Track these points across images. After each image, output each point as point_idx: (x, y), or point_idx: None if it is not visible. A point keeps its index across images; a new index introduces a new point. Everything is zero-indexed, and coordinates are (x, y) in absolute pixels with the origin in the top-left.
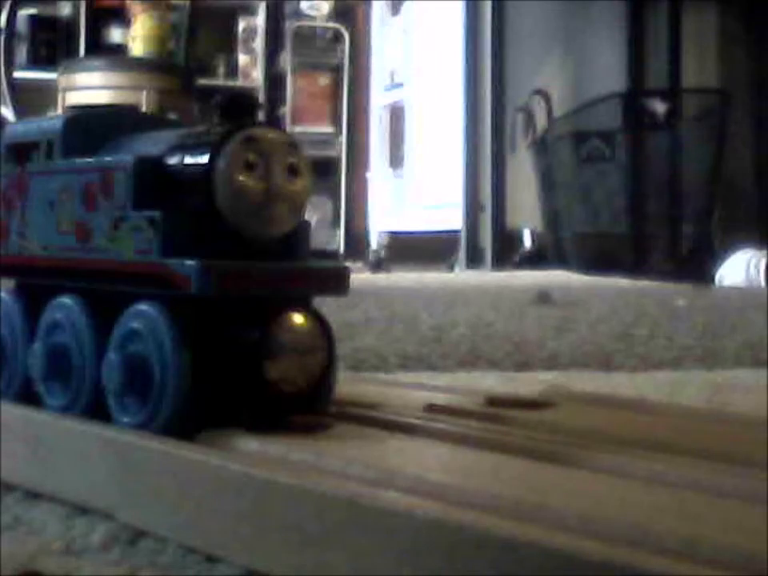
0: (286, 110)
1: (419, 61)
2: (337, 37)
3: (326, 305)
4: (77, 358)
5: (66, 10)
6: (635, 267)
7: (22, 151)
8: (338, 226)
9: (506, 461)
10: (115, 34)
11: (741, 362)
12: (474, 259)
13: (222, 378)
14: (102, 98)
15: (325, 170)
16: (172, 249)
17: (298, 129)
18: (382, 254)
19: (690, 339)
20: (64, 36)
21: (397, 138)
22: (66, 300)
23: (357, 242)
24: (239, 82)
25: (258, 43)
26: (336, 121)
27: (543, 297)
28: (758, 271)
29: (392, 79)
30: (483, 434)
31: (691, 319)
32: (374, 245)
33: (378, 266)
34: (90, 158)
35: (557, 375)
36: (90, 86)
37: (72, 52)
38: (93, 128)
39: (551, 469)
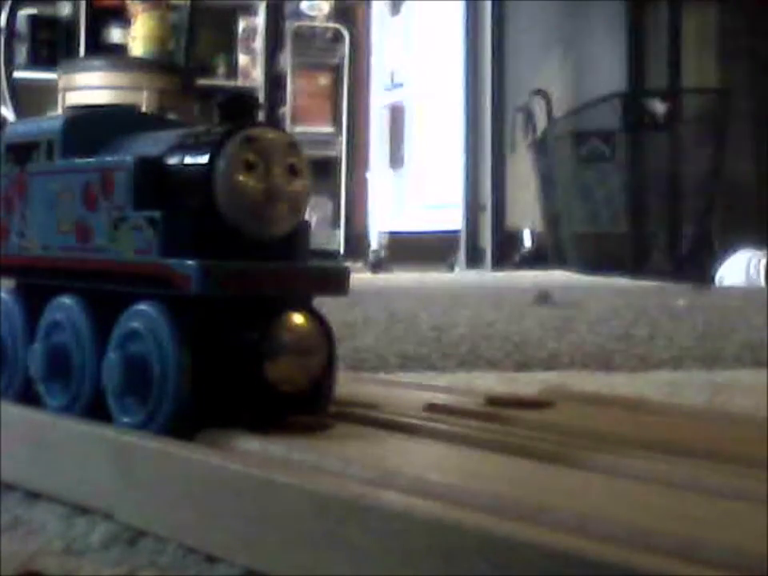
0: (286, 110)
1: (419, 61)
2: (337, 37)
3: (325, 305)
4: (77, 357)
5: (65, 10)
6: (635, 267)
7: (22, 151)
8: (338, 226)
9: (506, 461)
10: (115, 34)
11: (741, 363)
12: (474, 259)
13: (222, 378)
14: (102, 97)
15: (325, 169)
16: (172, 249)
17: (298, 129)
18: (382, 254)
19: (689, 339)
20: (64, 36)
21: (397, 138)
22: (66, 300)
23: (357, 242)
24: (239, 82)
25: (258, 43)
26: (336, 121)
27: (543, 297)
28: (758, 271)
29: (392, 79)
30: (483, 434)
31: (691, 319)
32: (374, 245)
33: (377, 266)
34: (90, 158)
35: (557, 375)
36: (90, 86)
37: (72, 52)
38: (93, 128)
39: (551, 469)
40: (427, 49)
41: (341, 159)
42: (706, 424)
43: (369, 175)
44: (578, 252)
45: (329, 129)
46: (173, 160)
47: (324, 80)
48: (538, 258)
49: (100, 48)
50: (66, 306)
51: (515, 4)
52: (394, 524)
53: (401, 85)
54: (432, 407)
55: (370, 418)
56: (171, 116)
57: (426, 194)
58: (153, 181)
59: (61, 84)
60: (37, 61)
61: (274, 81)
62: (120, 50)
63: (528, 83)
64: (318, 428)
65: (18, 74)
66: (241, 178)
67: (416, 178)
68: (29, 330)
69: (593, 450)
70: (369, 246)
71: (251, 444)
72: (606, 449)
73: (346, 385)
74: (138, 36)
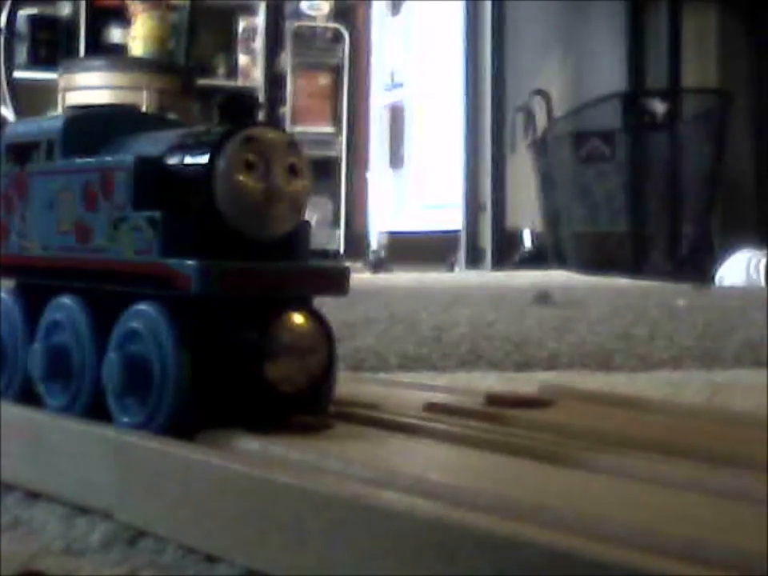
0: (286, 110)
1: (419, 61)
2: (337, 37)
3: (325, 305)
4: (77, 357)
5: (65, 9)
6: (635, 267)
7: (22, 151)
8: (338, 226)
9: (506, 461)
10: (115, 34)
11: (741, 362)
12: (474, 259)
13: (222, 378)
14: (102, 97)
15: (325, 169)
16: (172, 249)
17: (298, 129)
18: (382, 253)
19: (689, 339)
20: (64, 36)
21: (397, 138)
22: (66, 300)
23: (357, 242)
24: (239, 82)
25: (258, 43)
26: (336, 121)
27: (543, 297)
28: (758, 271)
29: (392, 79)
30: (483, 434)
31: (691, 319)
32: (374, 245)
33: (378, 266)
34: (90, 158)
35: (557, 375)
36: (90, 86)
37: (72, 52)
38: (93, 128)
39: (551, 469)
40: (427, 49)
41: (341, 159)
42: (705, 424)
43: (369, 175)
44: (578, 252)
45: (329, 129)
46: (173, 160)
47: (324, 80)
48: (538, 258)
49: (100, 48)
50: (66, 306)
51: (515, 4)
52: (394, 524)
53: (401, 85)
54: (432, 407)
55: (370, 418)
56: (171, 116)
57: (426, 193)
58: (153, 181)
59: (61, 84)
60: (37, 61)
61: (274, 81)
62: (120, 49)
63: (528, 83)
64: (318, 428)
65: (18, 74)
66: (241, 177)
67: (416, 177)
68: (29, 330)
69: (593, 449)
70: (369, 246)
71: (251, 444)
72: (606, 449)
73: (346, 385)
74: (138, 36)
